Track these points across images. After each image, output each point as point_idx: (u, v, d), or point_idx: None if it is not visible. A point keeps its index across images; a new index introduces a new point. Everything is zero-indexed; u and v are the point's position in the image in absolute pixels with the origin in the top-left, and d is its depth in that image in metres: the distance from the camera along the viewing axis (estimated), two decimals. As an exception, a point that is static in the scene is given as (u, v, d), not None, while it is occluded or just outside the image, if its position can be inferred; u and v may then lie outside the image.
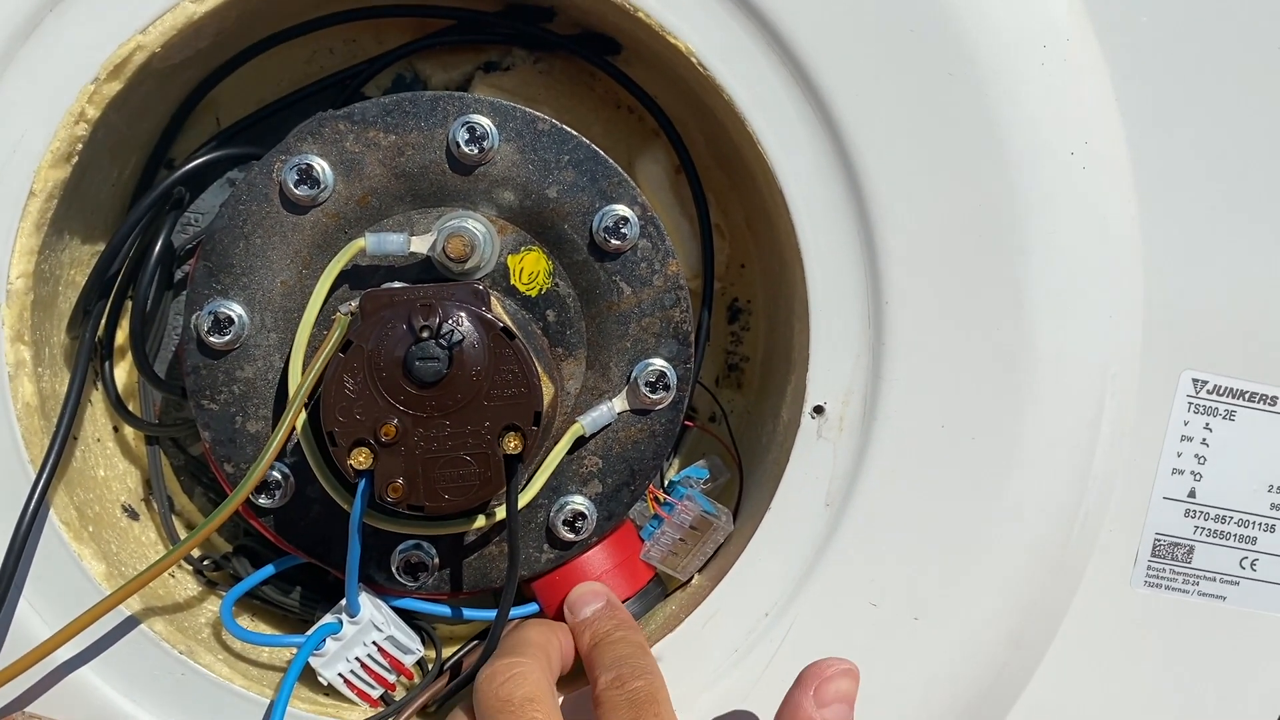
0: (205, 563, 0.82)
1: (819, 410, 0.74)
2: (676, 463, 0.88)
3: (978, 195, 0.72)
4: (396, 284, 0.71)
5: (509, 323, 0.67)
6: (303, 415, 0.69)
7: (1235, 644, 0.82)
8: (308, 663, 0.73)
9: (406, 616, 0.78)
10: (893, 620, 0.75)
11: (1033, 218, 0.73)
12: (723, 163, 0.84)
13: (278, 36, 0.81)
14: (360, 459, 0.65)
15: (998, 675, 0.78)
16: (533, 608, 0.78)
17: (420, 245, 0.72)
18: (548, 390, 0.71)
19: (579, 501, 0.76)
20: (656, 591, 0.80)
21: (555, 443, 0.75)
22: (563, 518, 0.76)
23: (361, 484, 0.66)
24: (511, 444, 0.65)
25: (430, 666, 0.78)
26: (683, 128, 0.83)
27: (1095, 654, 0.81)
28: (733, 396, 0.89)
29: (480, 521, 0.73)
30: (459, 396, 0.65)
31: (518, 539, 0.69)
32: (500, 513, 0.73)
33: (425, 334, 0.63)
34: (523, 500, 0.73)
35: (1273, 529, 0.82)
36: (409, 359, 0.64)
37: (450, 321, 0.64)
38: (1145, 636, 0.81)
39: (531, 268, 0.75)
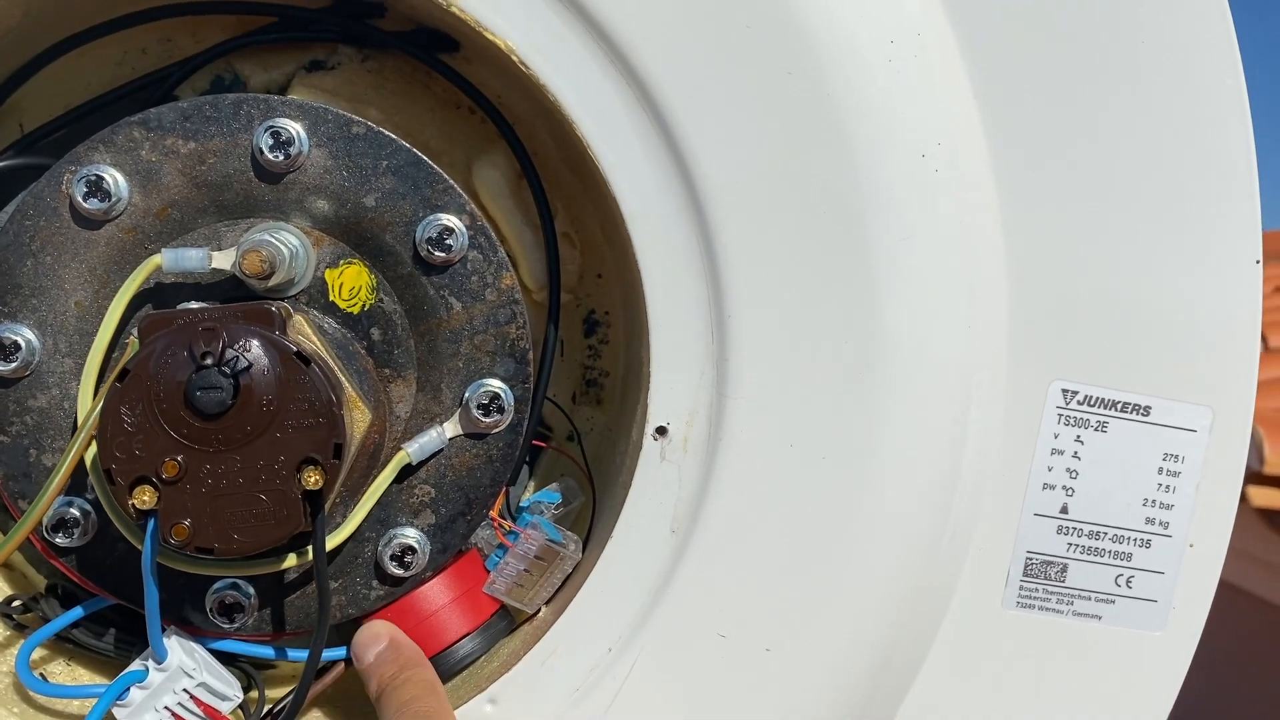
0: (15, 604, 0.76)
1: (661, 431, 0.70)
2: (532, 485, 0.83)
3: (823, 203, 0.68)
4: (194, 304, 0.65)
5: (304, 346, 0.61)
6: (93, 448, 0.64)
7: (1111, 664, 0.78)
8: (113, 715, 0.68)
9: (229, 658, 0.72)
10: (744, 652, 0.70)
11: (883, 224, 0.69)
12: (574, 166, 0.79)
13: (83, 35, 0.75)
14: (143, 498, 0.59)
15: (861, 705, 0.74)
16: (363, 647, 0.73)
17: (223, 261, 0.66)
18: (362, 416, 0.66)
19: (409, 534, 0.71)
20: (501, 625, 0.75)
21: (380, 471, 0.69)
22: (390, 552, 0.70)
23: (151, 524, 0.61)
24: (311, 479, 0.60)
25: (252, 711, 0.72)
26: (529, 130, 0.78)
27: (968, 679, 0.77)
28: (592, 414, 0.84)
29: (293, 560, 0.67)
30: (248, 428, 0.59)
31: (326, 580, 0.64)
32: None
33: (207, 361, 0.58)
34: (341, 535, 0.68)
35: (1148, 544, 0.78)
36: (190, 388, 0.58)
37: (236, 347, 0.59)
38: (1019, 659, 0.78)
39: (352, 282, 0.70)
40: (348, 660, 0.72)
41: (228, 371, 0.58)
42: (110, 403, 0.59)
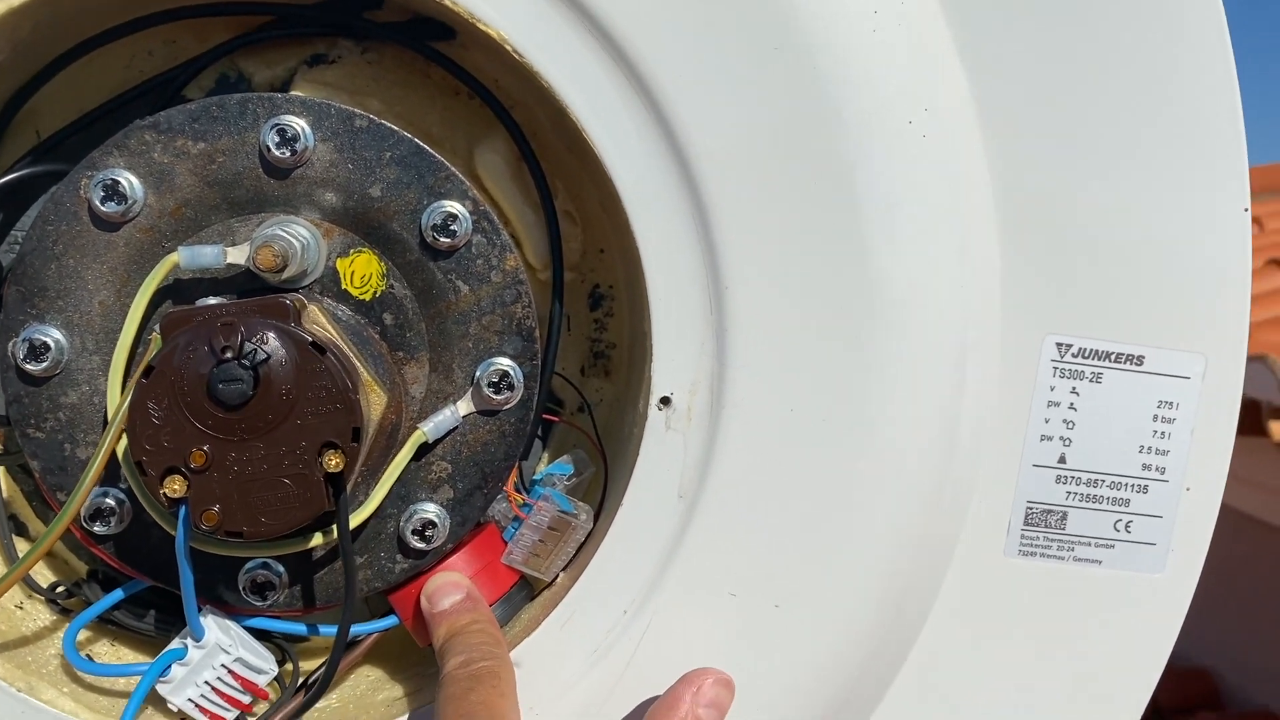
0: (59, 590, 0.79)
1: (665, 401, 0.72)
2: (546, 458, 0.86)
3: (813, 172, 0.70)
4: (212, 299, 0.68)
5: (319, 335, 0.64)
6: (124, 441, 0.67)
7: (1113, 606, 0.81)
8: (157, 690, 0.71)
9: (264, 634, 0.76)
10: (754, 609, 0.73)
11: (872, 191, 0.70)
12: (571, 145, 0.81)
13: (93, 41, 0.77)
14: (174, 487, 0.63)
15: (869, 656, 0.77)
16: (391, 620, 0.76)
17: (237, 256, 0.69)
18: (379, 399, 0.69)
19: (429, 509, 0.74)
20: (521, 595, 0.78)
21: (399, 450, 0.72)
22: (412, 527, 0.74)
23: (182, 510, 0.64)
24: (332, 462, 0.63)
25: (288, 683, 0.76)
26: (526, 112, 0.80)
27: (973, 627, 0.80)
28: (601, 385, 0.87)
29: (319, 539, 0.70)
30: (270, 417, 0.62)
31: (352, 558, 0.67)
32: (342, 527, 0.71)
33: (227, 354, 0.61)
34: (364, 513, 0.71)
35: (1145, 490, 0.80)
36: (212, 382, 0.61)
37: (254, 340, 0.62)
38: (1023, 605, 0.80)
39: (363, 270, 0.73)
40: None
41: (247, 364, 0.61)
42: (138, 398, 0.62)
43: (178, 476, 0.62)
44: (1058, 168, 0.75)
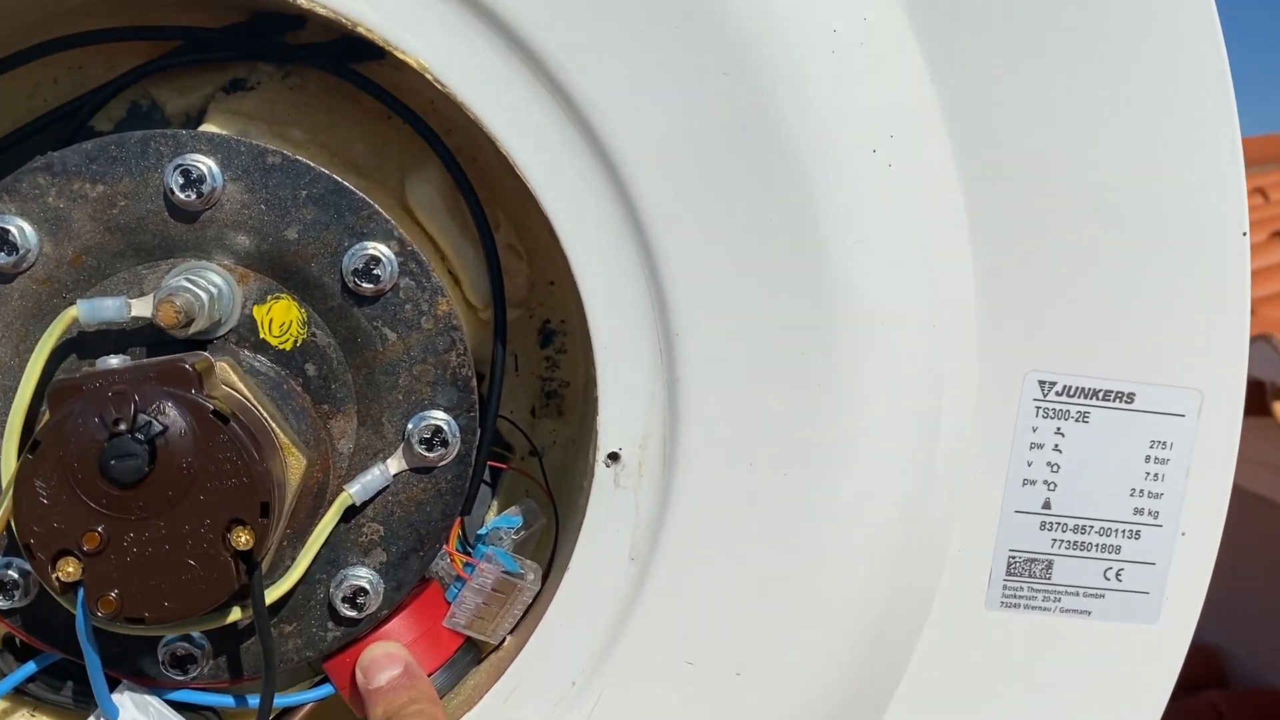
0: (-30, 660, 0.74)
1: (614, 458, 0.67)
2: (495, 505, 0.80)
3: (771, 212, 0.64)
4: (113, 359, 0.62)
5: (225, 400, 0.58)
6: (19, 514, 0.61)
7: (1104, 659, 0.75)
8: (71, 776, 0.66)
9: (188, 706, 0.70)
10: (713, 678, 0.68)
11: (836, 228, 0.64)
12: (515, 171, 0.75)
13: (-11, 69, 0.71)
14: (68, 570, 0.57)
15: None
16: (326, 690, 0.71)
17: (143, 309, 0.63)
18: (297, 462, 0.63)
19: (360, 574, 0.68)
20: (467, 660, 0.73)
21: (325, 512, 0.67)
22: (343, 594, 0.68)
23: (80, 593, 0.59)
24: (241, 539, 0.58)
25: (216, 761, 0.71)
26: (467, 135, 0.74)
27: (952, 685, 0.75)
28: (554, 427, 0.81)
29: (238, 613, 0.65)
30: (170, 493, 0.57)
31: (270, 638, 0.62)
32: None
33: (120, 427, 0.55)
34: (287, 584, 0.66)
35: (1137, 535, 0.75)
36: (104, 457, 0.56)
37: (149, 410, 0.56)
38: (1006, 661, 0.75)
39: (282, 318, 0.67)
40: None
41: (141, 438, 0.55)
42: (23, 475, 0.56)
43: (71, 559, 0.57)
44: (1038, 191, 0.69)
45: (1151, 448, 0.74)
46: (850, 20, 0.64)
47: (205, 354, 0.62)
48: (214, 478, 0.57)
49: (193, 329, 0.62)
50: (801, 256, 0.64)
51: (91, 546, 0.56)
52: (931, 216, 0.67)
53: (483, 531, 0.74)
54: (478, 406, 0.69)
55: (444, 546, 0.70)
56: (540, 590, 0.72)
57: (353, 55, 0.72)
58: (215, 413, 0.57)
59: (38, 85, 0.73)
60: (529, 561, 0.72)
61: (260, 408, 0.62)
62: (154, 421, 0.56)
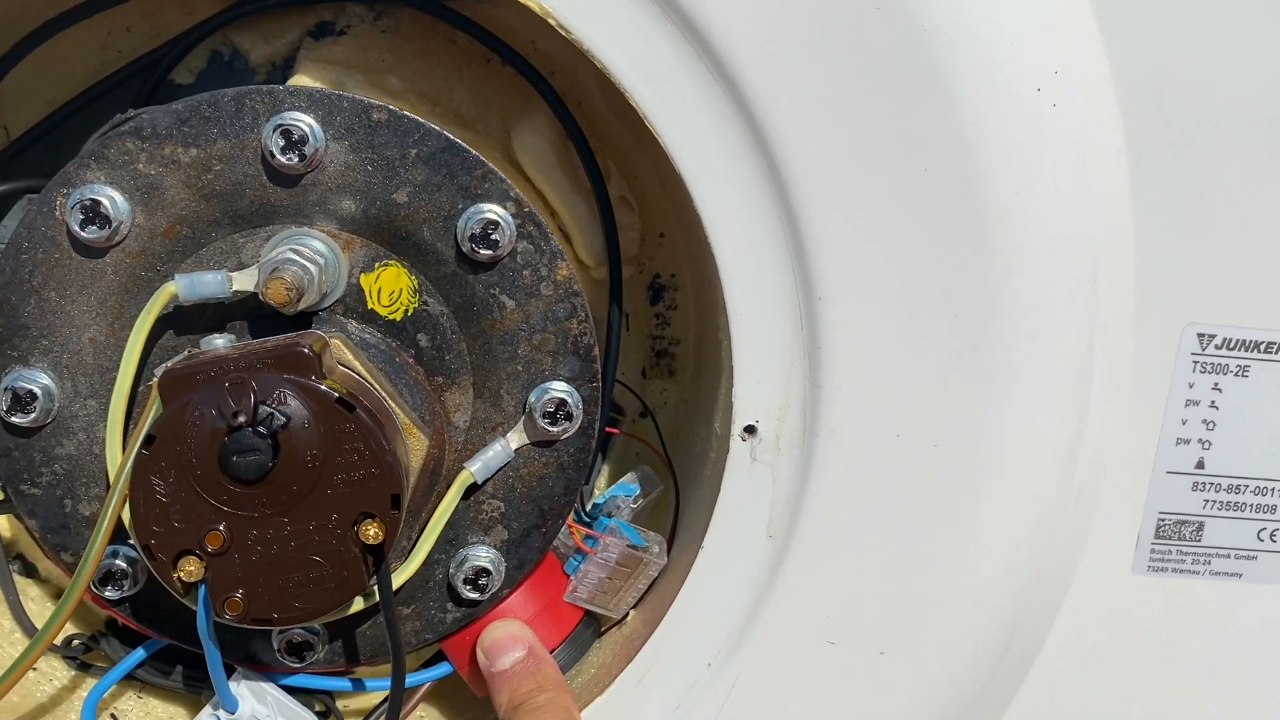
0: (75, 644, 0.72)
1: (750, 430, 0.62)
2: (606, 471, 0.76)
3: (924, 157, 0.58)
4: (218, 340, 0.58)
5: (345, 383, 0.54)
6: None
7: (1255, 623, 0.72)
8: (190, 766, 0.64)
9: (306, 690, 0.68)
10: (856, 658, 0.65)
11: (993, 177, 0.59)
12: (623, 115, 0.69)
13: (59, 20, 0.66)
14: (189, 569, 0.54)
15: (980, 692, 0.69)
16: (445, 669, 0.68)
17: (244, 282, 0.58)
18: (419, 443, 0.59)
19: (481, 554, 0.65)
20: (588, 634, 0.70)
21: (445, 492, 0.63)
22: (464, 575, 0.65)
23: (201, 591, 0.55)
24: (370, 532, 0.54)
25: (335, 743, 0.69)
26: (571, 78, 0.69)
27: (1096, 651, 0.71)
28: (665, 387, 0.77)
29: (359, 604, 0.62)
30: (294, 489, 0.53)
31: (399, 633, 0.59)
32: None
33: (239, 420, 0.51)
34: (409, 570, 0.62)
35: (1295, 495, 0.70)
36: (224, 453, 0.51)
37: (270, 401, 0.52)
38: (1151, 627, 0.71)
39: (391, 286, 0.62)
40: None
41: (264, 431, 0.51)
42: (139, 472, 0.53)
43: (192, 558, 0.53)
44: (1202, 128, 0.63)
45: (1314, 401, 0.69)
46: (1012, -56, 0.57)
47: (319, 332, 0.57)
48: (341, 470, 0.53)
49: (301, 305, 0.58)
50: (957, 211, 0.59)
51: (215, 546, 0.53)
52: (1095, 161, 0.61)
53: (600, 500, 0.71)
54: (600, 376, 0.64)
55: (565, 522, 0.67)
56: (666, 564, 0.68)
57: (450, -7, 0.66)
58: (340, 400, 0.53)
59: (110, 34, 0.68)
60: (652, 534, 0.68)
61: (379, 386, 0.58)
62: (275, 413, 0.51)
